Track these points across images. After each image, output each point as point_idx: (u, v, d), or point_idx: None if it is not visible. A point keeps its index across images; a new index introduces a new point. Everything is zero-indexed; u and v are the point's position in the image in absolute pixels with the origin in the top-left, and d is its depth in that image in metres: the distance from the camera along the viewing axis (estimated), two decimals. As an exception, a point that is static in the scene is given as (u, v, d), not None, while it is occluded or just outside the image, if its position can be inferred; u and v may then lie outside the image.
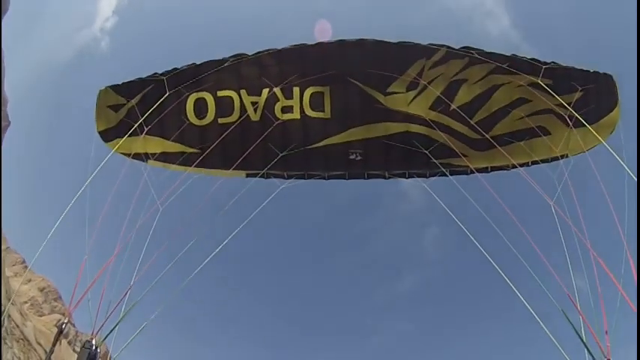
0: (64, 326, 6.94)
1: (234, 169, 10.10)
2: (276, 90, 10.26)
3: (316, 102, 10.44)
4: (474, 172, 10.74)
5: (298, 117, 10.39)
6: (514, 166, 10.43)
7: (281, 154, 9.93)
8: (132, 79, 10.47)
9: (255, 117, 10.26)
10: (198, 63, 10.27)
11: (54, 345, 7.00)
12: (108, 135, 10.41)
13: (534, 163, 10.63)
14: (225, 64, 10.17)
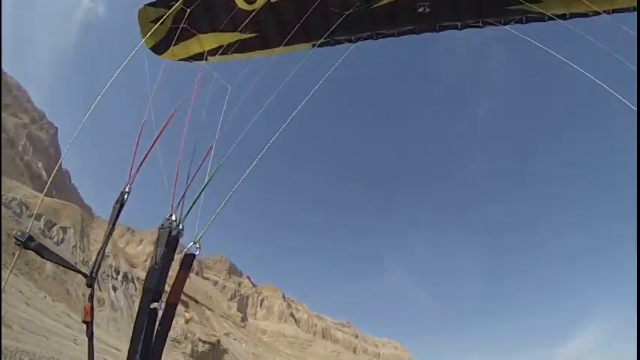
0: (125, 197, 6.11)
1: (298, 44, 9.22)
2: None
3: None
4: (552, 19, 9.18)
5: None
6: (596, 13, 8.56)
7: (346, 13, 8.79)
8: None
9: None
10: None
11: (115, 220, 6.39)
12: (159, 48, 9.77)
13: (616, 11, 8.59)
14: None
